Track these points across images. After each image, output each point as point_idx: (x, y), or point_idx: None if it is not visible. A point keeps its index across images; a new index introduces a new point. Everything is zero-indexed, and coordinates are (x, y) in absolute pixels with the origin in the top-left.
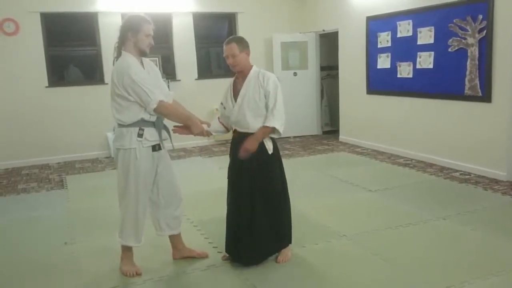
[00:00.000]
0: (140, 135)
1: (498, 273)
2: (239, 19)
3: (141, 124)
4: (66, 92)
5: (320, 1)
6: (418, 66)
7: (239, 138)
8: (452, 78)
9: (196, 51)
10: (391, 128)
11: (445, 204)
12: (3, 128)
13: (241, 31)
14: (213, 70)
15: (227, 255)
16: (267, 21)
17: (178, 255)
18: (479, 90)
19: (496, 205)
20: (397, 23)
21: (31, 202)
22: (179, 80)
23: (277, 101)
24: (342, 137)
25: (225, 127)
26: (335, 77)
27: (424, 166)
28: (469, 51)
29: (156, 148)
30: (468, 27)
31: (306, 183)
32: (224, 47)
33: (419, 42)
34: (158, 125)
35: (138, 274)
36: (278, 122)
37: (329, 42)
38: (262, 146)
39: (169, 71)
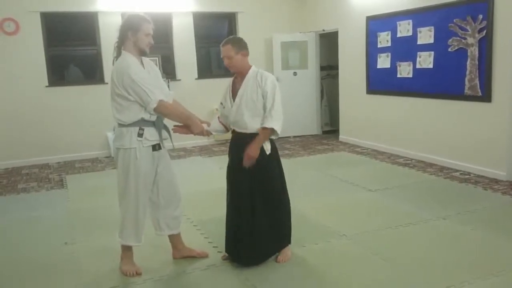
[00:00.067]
0: (140, 135)
1: (498, 273)
2: (239, 19)
3: (141, 123)
4: (66, 92)
5: (320, 1)
6: (418, 66)
7: (237, 138)
8: (452, 78)
9: (196, 50)
10: (391, 128)
11: (445, 204)
12: (3, 128)
13: (241, 31)
14: (213, 70)
15: (227, 255)
16: (267, 21)
17: (178, 254)
18: (479, 90)
19: (496, 205)
20: (397, 23)
21: (31, 201)
22: (179, 80)
23: (275, 101)
24: (342, 137)
25: (225, 126)
26: (335, 77)
27: (424, 166)
28: (469, 51)
29: (156, 147)
30: (468, 27)
31: (306, 183)
32: (221, 48)
33: (419, 42)
34: (158, 125)
35: (138, 274)
36: (276, 123)
37: (329, 42)
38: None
39: (169, 71)
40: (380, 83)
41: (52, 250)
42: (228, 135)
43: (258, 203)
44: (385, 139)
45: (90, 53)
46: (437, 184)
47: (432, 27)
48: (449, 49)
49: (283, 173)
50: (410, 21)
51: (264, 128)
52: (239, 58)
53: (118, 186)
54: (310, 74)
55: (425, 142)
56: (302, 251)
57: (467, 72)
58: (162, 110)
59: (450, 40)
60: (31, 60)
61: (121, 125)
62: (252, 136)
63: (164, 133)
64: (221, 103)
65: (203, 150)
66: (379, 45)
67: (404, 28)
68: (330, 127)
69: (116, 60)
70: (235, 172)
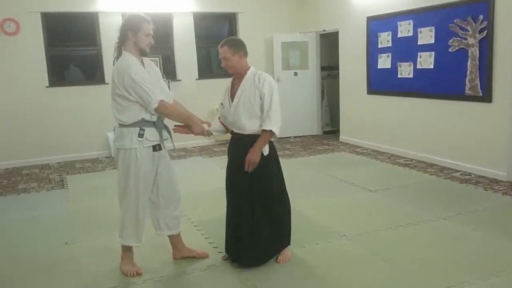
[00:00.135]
0: (141, 135)
1: (499, 273)
2: (239, 19)
3: (142, 124)
4: (67, 92)
5: (321, 1)
6: (418, 66)
7: (236, 139)
8: (452, 78)
9: (197, 51)
10: (391, 128)
11: (445, 204)
12: (3, 128)
13: (242, 31)
14: (213, 70)
15: (227, 255)
16: (268, 21)
17: (178, 255)
18: (480, 90)
19: (496, 205)
20: (398, 23)
21: (31, 202)
22: (180, 80)
23: (272, 103)
24: (343, 137)
25: (225, 127)
26: (336, 77)
27: (424, 166)
28: (469, 51)
29: (156, 148)
30: (468, 27)
31: (306, 183)
32: (219, 50)
33: (419, 42)
34: (158, 125)
35: (139, 274)
36: (274, 125)
37: (329, 42)
38: None
39: (169, 71)
40: (381, 83)
41: (52, 250)
42: (229, 135)
43: (257, 203)
44: (386, 139)
45: (90, 53)
46: (437, 185)
47: (433, 27)
48: (450, 50)
49: (282, 173)
50: (411, 21)
51: (263, 131)
52: (236, 59)
53: (118, 186)
54: (311, 74)
55: (426, 142)
56: (303, 251)
57: (468, 73)
58: (162, 110)
59: (451, 40)
60: (31, 60)
61: (121, 125)
62: (250, 137)
63: (165, 134)
64: (221, 104)
65: (204, 150)
66: (379, 45)
67: (405, 28)
68: (331, 127)
69: (117, 60)
70: (234, 172)
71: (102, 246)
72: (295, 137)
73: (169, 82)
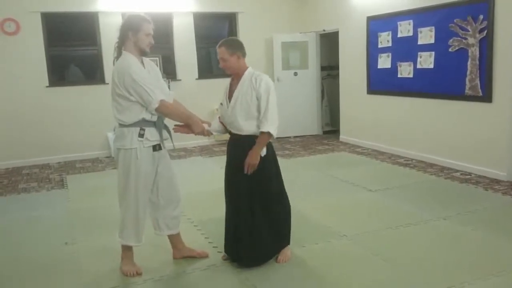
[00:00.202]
0: (141, 135)
1: (499, 274)
2: (239, 19)
3: (142, 124)
4: (67, 92)
5: (321, 1)
6: (418, 66)
7: (234, 139)
8: (452, 78)
9: (197, 51)
10: (391, 128)
11: (445, 204)
12: (4, 128)
13: (242, 31)
14: (213, 70)
15: (227, 255)
16: (268, 21)
17: (178, 254)
18: (480, 90)
19: (496, 205)
20: (398, 23)
21: (32, 201)
22: (180, 80)
23: (269, 103)
24: (343, 137)
25: (225, 127)
26: (336, 77)
27: (424, 166)
28: (469, 51)
29: (157, 148)
30: (468, 27)
31: (306, 183)
32: (217, 50)
33: (419, 42)
34: (159, 125)
35: (139, 274)
36: (271, 126)
37: (329, 42)
38: None
39: (169, 71)
40: (381, 83)
41: (52, 250)
42: (229, 135)
43: (256, 203)
44: (386, 139)
45: (90, 53)
46: (437, 185)
47: (433, 27)
48: (450, 49)
49: (280, 173)
50: (411, 21)
51: (261, 133)
52: (234, 60)
53: (119, 186)
54: (311, 74)
55: (426, 142)
56: (303, 251)
57: (468, 72)
58: (163, 110)
59: (451, 40)
60: (31, 60)
61: (121, 125)
62: (248, 138)
63: (165, 133)
64: (221, 103)
65: (204, 150)
66: (379, 45)
67: (405, 28)
68: (331, 127)
69: (117, 60)
70: (232, 173)
71: (102, 246)
72: (295, 137)
73: (169, 82)
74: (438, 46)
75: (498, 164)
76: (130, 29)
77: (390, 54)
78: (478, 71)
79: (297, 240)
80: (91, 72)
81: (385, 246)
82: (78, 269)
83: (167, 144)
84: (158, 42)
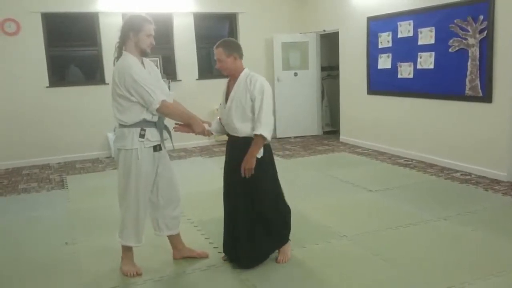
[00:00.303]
0: (142, 136)
1: (499, 274)
2: (239, 19)
3: (143, 124)
4: (67, 92)
5: (321, 1)
6: (418, 67)
7: (232, 140)
8: (452, 78)
9: (197, 51)
10: (391, 129)
11: (445, 205)
12: (4, 128)
13: (242, 32)
14: (213, 70)
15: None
16: (268, 21)
17: (179, 255)
18: (480, 91)
19: (496, 205)
20: (398, 23)
21: (32, 202)
22: (180, 80)
23: (263, 105)
24: (343, 137)
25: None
26: (336, 77)
27: (424, 166)
28: (469, 51)
29: (157, 148)
30: (468, 28)
31: (306, 183)
32: (214, 51)
33: (419, 43)
34: (159, 125)
35: (139, 274)
36: (265, 129)
37: (329, 43)
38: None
39: (169, 71)
40: (381, 83)
41: (53, 250)
42: None
43: (252, 203)
44: (386, 139)
45: (90, 54)
46: (437, 185)
47: (433, 28)
48: (450, 50)
49: (277, 174)
50: (411, 21)
51: (255, 136)
52: (231, 61)
53: (119, 187)
54: (311, 75)
55: (426, 142)
56: (303, 251)
57: (468, 73)
58: (164, 110)
59: (451, 40)
60: (31, 60)
61: (122, 125)
62: (245, 140)
63: (165, 134)
64: (221, 104)
65: (204, 151)
66: (380, 46)
67: (405, 29)
68: (331, 128)
69: (117, 60)
70: (230, 173)
71: (102, 246)
72: (295, 137)
73: (169, 82)
74: (438, 47)
75: (498, 165)
76: (131, 29)
77: (390, 54)
78: (478, 72)
79: (297, 241)
80: (91, 73)
81: (385, 246)
82: (78, 269)
83: (167, 145)
84: (158, 43)
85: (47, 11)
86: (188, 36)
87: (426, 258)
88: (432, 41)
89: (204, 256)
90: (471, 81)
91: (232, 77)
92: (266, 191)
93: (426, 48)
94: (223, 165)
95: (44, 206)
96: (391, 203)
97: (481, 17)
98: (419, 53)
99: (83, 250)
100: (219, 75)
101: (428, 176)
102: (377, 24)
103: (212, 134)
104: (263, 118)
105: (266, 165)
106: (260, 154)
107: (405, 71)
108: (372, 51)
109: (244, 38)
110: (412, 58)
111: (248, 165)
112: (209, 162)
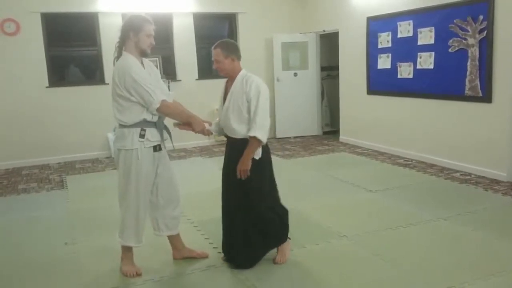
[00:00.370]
0: (142, 136)
1: (499, 274)
2: (239, 19)
3: (143, 124)
4: (67, 92)
5: (321, 1)
6: (418, 67)
7: (230, 142)
8: (452, 78)
9: (197, 51)
10: (391, 129)
11: (445, 205)
12: (4, 128)
13: (242, 32)
14: (213, 71)
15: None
16: (268, 21)
17: (178, 255)
18: (480, 91)
19: (496, 205)
20: (398, 23)
21: (31, 202)
22: (180, 81)
23: (258, 107)
24: (343, 137)
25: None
26: (336, 77)
27: (424, 166)
28: (469, 51)
29: (157, 148)
30: (468, 28)
31: (306, 183)
32: (212, 51)
33: (419, 43)
34: (159, 126)
35: (139, 275)
36: (259, 131)
37: (329, 43)
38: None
39: (169, 72)
40: (381, 83)
41: (52, 250)
42: None
43: (248, 204)
44: (386, 139)
45: (90, 54)
46: (437, 185)
47: (433, 28)
48: (450, 50)
49: (273, 176)
50: (411, 21)
51: (250, 138)
52: (228, 63)
53: (119, 187)
54: (311, 75)
55: (426, 142)
56: (303, 251)
57: (468, 73)
58: (164, 110)
59: (451, 40)
60: (31, 60)
61: (122, 126)
62: (243, 141)
63: (165, 134)
64: (219, 105)
65: (204, 151)
66: (379, 46)
67: (405, 29)
68: (331, 128)
69: (117, 60)
70: (228, 174)
71: (102, 246)
72: (295, 137)
73: (169, 83)
74: (438, 47)
75: (498, 165)
76: (131, 29)
77: (390, 54)
78: (478, 72)
79: (297, 241)
80: (91, 73)
81: (385, 246)
82: (78, 269)
83: (167, 145)
84: (158, 43)
85: (47, 11)
86: (188, 36)
87: (426, 258)
88: (432, 41)
89: (204, 256)
90: (471, 81)
91: (230, 78)
92: (263, 192)
93: (426, 48)
94: (222, 165)
95: (44, 206)
96: (391, 203)
97: (481, 17)
98: (418, 53)
99: (83, 250)
100: (219, 75)
101: (428, 176)
102: (377, 24)
103: (211, 133)
104: (258, 120)
105: (264, 166)
106: (258, 155)
107: (405, 71)
108: (372, 51)
109: (244, 38)
110: (412, 58)
111: (244, 166)
112: (209, 162)
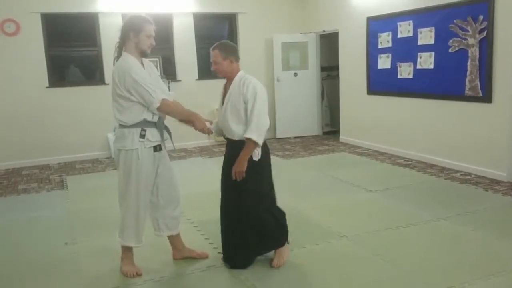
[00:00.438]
0: (142, 136)
1: (499, 274)
2: (239, 19)
3: (143, 124)
4: (67, 93)
5: (321, 1)
6: (418, 67)
7: (230, 143)
8: (452, 78)
9: (197, 51)
10: (391, 129)
11: (445, 205)
12: (3, 128)
13: (242, 32)
14: (213, 71)
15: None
16: (268, 21)
17: (179, 255)
18: (480, 91)
19: (496, 205)
20: (398, 23)
21: (32, 202)
22: (180, 81)
23: (254, 109)
24: (343, 137)
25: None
26: (336, 77)
27: (424, 166)
28: (469, 51)
29: (157, 148)
30: (468, 28)
31: (306, 183)
32: (210, 52)
33: (419, 43)
34: (159, 126)
35: (139, 275)
36: (255, 133)
37: (329, 43)
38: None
39: (169, 72)
40: (381, 83)
41: (53, 250)
42: None
43: (247, 204)
44: (386, 139)
45: (90, 54)
46: (437, 185)
47: (433, 28)
48: (450, 50)
49: (271, 178)
50: (411, 21)
51: (246, 139)
52: (226, 64)
53: (119, 187)
54: (311, 75)
55: (426, 142)
56: (303, 251)
57: (468, 73)
58: (165, 109)
59: (451, 40)
60: (31, 61)
61: (122, 126)
62: (241, 142)
63: (165, 134)
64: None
65: (204, 151)
66: (379, 46)
67: (405, 29)
68: (331, 128)
69: (117, 60)
70: (226, 175)
71: (102, 246)
72: (295, 137)
73: (169, 83)
74: (438, 47)
75: (498, 165)
76: (131, 29)
77: (390, 54)
78: (478, 72)
79: (297, 241)
80: (91, 73)
81: (385, 246)
82: (78, 269)
83: (168, 145)
84: (158, 43)
85: (47, 11)
86: (188, 37)
87: (426, 258)
88: (432, 41)
89: (204, 257)
90: (471, 81)
91: (228, 79)
92: (260, 193)
93: (426, 48)
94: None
95: (44, 206)
96: (391, 203)
97: (481, 17)
98: (419, 53)
99: (83, 250)
100: (219, 75)
101: (428, 176)
102: (377, 24)
103: (211, 132)
104: (254, 121)
105: (262, 168)
106: (257, 157)
107: (405, 71)
108: (372, 51)
109: (244, 38)
110: (412, 58)
111: (239, 168)
112: (209, 162)
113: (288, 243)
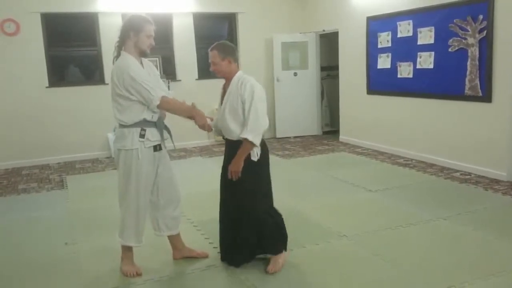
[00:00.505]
0: (142, 136)
1: (499, 273)
2: (239, 19)
3: (143, 124)
4: (67, 93)
5: (320, 1)
6: (418, 66)
7: (230, 143)
8: (452, 78)
9: (197, 51)
10: (391, 128)
11: (445, 204)
12: (4, 128)
13: (242, 32)
14: (212, 71)
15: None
16: (268, 21)
17: (179, 255)
18: (480, 90)
19: (496, 205)
20: (398, 23)
21: (31, 202)
22: (180, 80)
23: (251, 109)
24: (342, 137)
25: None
26: (335, 77)
27: (424, 166)
28: (469, 51)
29: (157, 148)
30: (468, 27)
31: (306, 183)
32: (209, 53)
33: (419, 42)
34: (159, 125)
35: (139, 274)
36: (251, 133)
37: (329, 42)
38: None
39: (169, 72)
40: (381, 83)
41: (52, 250)
42: None
43: (245, 204)
44: (386, 139)
45: (90, 54)
46: (437, 185)
47: (433, 28)
48: (450, 49)
49: (270, 178)
50: (411, 21)
51: (243, 139)
52: (225, 65)
53: (119, 187)
54: (311, 75)
55: (426, 142)
56: (303, 251)
57: (468, 73)
58: (165, 106)
59: (451, 40)
60: (31, 60)
61: (122, 125)
62: (240, 143)
63: (165, 133)
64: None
65: (204, 151)
66: (379, 46)
67: (405, 29)
68: (331, 128)
69: (116, 60)
70: (225, 175)
71: (102, 246)
72: (295, 137)
73: (169, 83)
74: (438, 46)
75: (498, 164)
76: (131, 29)
77: (389, 54)
78: (477, 71)
79: (297, 241)
80: (91, 73)
81: (385, 246)
82: (78, 269)
83: (168, 144)
84: (158, 43)
85: (47, 11)
86: (188, 36)
87: (426, 258)
88: (432, 41)
89: (204, 256)
90: (471, 80)
91: (227, 79)
92: (258, 194)
93: (426, 48)
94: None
95: (44, 206)
96: (391, 203)
97: (481, 16)
98: (418, 53)
99: (83, 250)
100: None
101: (428, 176)
102: (377, 24)
103: (212, 129)
104: (251, 121)
105: (261, 168)
106: (255, 157)
107: (405, 71)
108: (371, 51)
109: (244, 38)
110: (411, 58)
111: (235, 168)
112: (209, 162)
113: (285, 250)
